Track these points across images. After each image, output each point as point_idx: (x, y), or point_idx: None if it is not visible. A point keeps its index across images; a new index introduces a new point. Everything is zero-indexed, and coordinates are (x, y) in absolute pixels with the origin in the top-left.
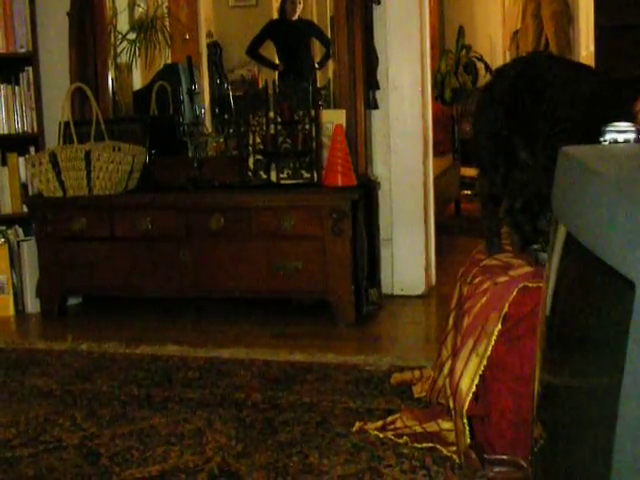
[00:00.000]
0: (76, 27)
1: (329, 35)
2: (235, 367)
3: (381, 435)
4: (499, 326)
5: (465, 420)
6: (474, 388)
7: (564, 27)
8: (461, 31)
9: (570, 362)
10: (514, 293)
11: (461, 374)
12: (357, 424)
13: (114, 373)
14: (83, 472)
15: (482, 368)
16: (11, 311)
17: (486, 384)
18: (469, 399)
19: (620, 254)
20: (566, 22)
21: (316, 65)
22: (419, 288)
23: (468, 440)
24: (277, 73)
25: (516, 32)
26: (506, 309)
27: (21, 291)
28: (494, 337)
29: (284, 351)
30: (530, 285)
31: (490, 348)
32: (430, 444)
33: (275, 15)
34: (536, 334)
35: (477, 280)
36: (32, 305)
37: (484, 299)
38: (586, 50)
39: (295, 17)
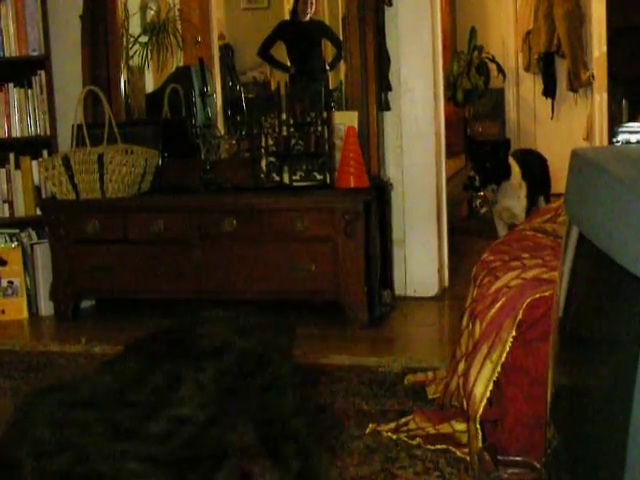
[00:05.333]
0: (88, 30)
1: (341, 36)
2: None
3: (394, 437)
4: (513, 333)
5: (478, 425)
6: (488, 394)
7: (576, 28)
8: (473, 32)
9: (583, 363)
10: (528, 300)
11: (475, 380)
12: (370, 426)
13: None
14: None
15: (496, 374)
16: (25, 314)
17: (500, 388)
18: (483, 405)
19: (633, 255)
20: (578, 23)
21: (327, 67)
22: (432, 289)
23: (480, 444)
24: (288, 75)
25: (528, 33)
26: (520, 316)
27: (35, 294)
28: (508, 344)
29: (297, 353)
30: (544, 295)
31: (504, 355)
32: (443, 446)
33: (287, 16)
34: (549, 337)
35: (485, 281)
36: (45, 308)
37: (498, 304)
38: (598, 51)
39: (307, 18)
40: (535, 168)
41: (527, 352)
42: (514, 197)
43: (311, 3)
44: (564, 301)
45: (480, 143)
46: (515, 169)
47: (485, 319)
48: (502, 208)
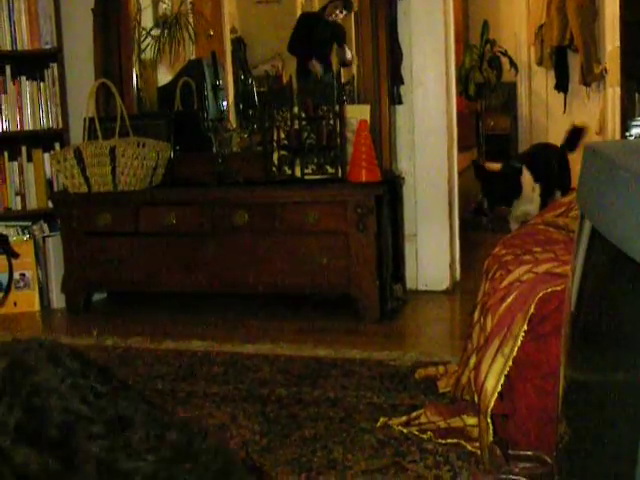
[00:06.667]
0: (100, 23)
1: (353, 30)
2: (259, 362)
3: (405, 430)
4: (525, 327)
5: (489, 419)
6: (499, 388)
7: (589, 21)
8: (485, 26)
9: (595, 359)
10: (540, 294)
11: (486, 374)
12: (381, 419)
13: (139, 368)
14: None
15: (507, 368)
16: (36, 306)
17: (512, 382)
18: (494, 399)
19: None
20: (591, 16)
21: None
22: (443, 284)
23: (491, 438)
24: (297, 68)
25: (541, 27)
26: (532, 310)
27: (46, 286)
28: (520, 338)
29: (308, 346)
30: (556, 289)
31: (516, 349)
32: (454, 440)
33: (299, 10)
34: (561, 331)
35: (497, 275)
36: (57, 300)
37: (510, 298)
38: (611, 45)
39: (331, 18)
40: (553, 163)
41: (539, 346)
42: (529, 202)
43: (341, 11)
44: (576, 296)
45: (489, 173)
46: (526, 177)
47: (497, 313)
48: (519, 214)
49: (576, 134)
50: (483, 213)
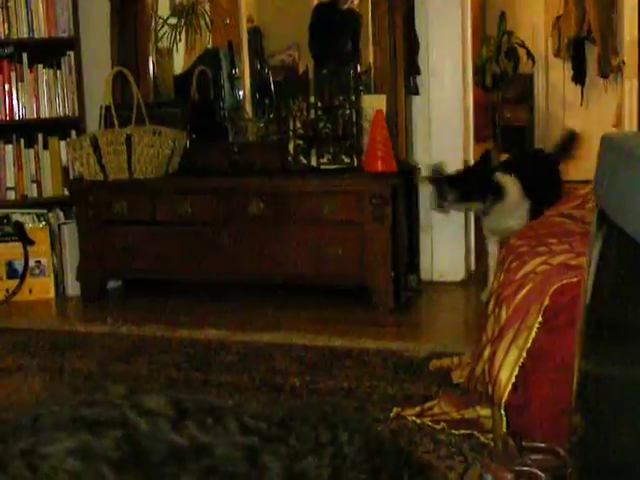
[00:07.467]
0: (117, 12)
1: (370, 20)
2: (274, 352)
3: (419, 421)
4: (540, 319)
5: (503, 411)
6: (513, 379)
7: (607, 12)
8: (502, 17)
9: (610, 351)
10: (555, 286)
11: (501, 365)
12: (395, 410)
13: (153, 356)
14: None
15: (522, 360)
16: (52, 294)
17: (526, 374)
18: (508, 390)
19: None
20: (609, 7)
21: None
22: (458, 274)
23: (504, 430)
24: (316, 57)
25: (558, 17)
26: (547, 302)
27: (62, 274)
28: (534, 330)
29: (323, 336)
30: (571, 281)
31: (530, 340)
32: (468, 431)
33: (315, 0)
34: (576, 323)
35: (512, 266)
36: (72, 288)
37: (525, 290)
38: (630, 35)
39: (345, 7)
40: (540, 176)
41: (553, 338)
42: (514, 217)
43: None
44: (592, 288)
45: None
46: (510, 186)
47: (511, 304)
48: (501, 229)
49: (571, 140)
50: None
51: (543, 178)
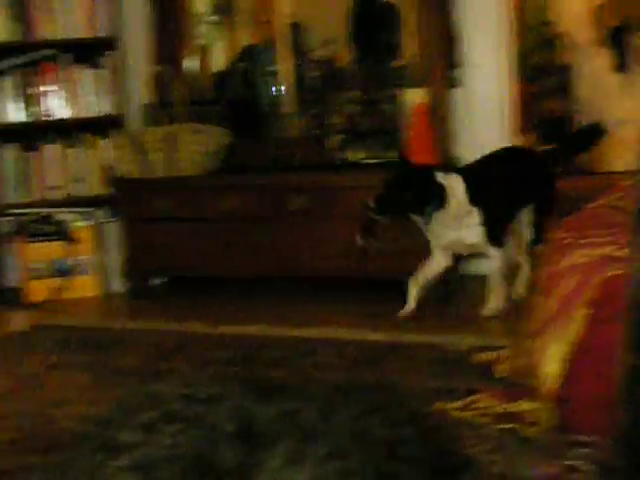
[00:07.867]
0: (157, 10)
1: (409, 13)
2: (318, 346)
3: (461, 415)
4: (585, 311)
5: (549, 405)
6: (562, 372)
7: None
8: (543, 7)
9: None
10: (601, 278)
11: (547, 359)
12: (437, 404)
13: (197, 353)
14: None
15: (567, 353)
16: (97, 291)
17: (570, 367)
18: (554, 384)
19: None
20: None
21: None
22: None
23: (550, 423)
24: (356, 51)
25: (600, 7)
26: (593, 294)
27: (106, 271)
28: (580, 323)
29: (366, 330)
30: (617, 273)
31: (575, 333)
32: (511, 425)
33: None
34: (620, 316)
35: (555, 258)
36: (117, 285)
37: (570, 282)
38: None
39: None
40: (520, 176)
41: (598, 331)
42: (463, 226)
43: None
44: (637, 280)
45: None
46: (455, 188)
47: (555, 297)
48: (446, 241)
49: (595, 132)
50: (370, 225)
51: (521, 178)
